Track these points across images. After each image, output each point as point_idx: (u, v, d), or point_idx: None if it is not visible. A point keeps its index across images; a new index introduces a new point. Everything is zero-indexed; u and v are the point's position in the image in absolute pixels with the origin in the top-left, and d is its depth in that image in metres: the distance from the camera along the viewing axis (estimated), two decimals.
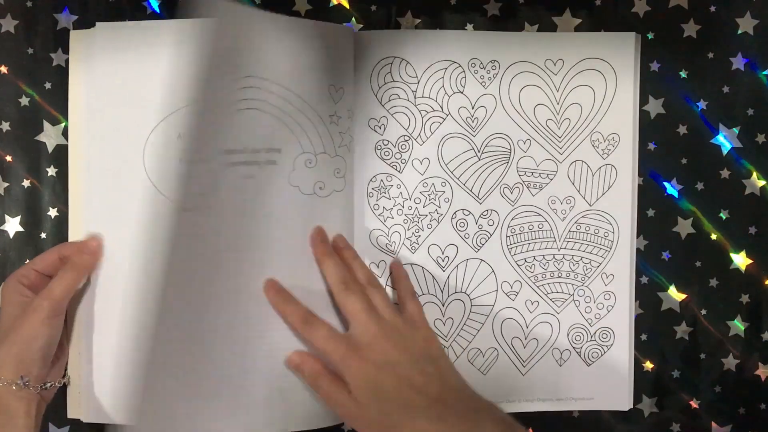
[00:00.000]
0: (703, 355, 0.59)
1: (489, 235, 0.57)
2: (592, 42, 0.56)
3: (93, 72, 0.54)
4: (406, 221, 0.56)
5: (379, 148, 0.56)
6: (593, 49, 0.56)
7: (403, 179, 0.56)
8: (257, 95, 0.52)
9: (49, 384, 0.51)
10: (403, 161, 0.56)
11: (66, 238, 0.56)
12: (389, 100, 0.56)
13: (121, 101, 0.54)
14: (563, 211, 0.57)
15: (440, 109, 0.56)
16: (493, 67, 0.56)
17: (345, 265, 0.53)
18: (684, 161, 0.59)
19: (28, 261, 0.54)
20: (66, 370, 0.55)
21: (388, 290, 0.56)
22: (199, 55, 0.51)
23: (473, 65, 0.56)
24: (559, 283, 0.57)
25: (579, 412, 0.59)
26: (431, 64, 0.56)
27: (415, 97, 0.56)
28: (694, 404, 0.59)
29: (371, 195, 0.56)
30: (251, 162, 0.51)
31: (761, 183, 0.59)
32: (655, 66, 0.58)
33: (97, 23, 0.54)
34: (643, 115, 0.58)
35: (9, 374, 0.48)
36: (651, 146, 0.58)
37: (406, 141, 0.56)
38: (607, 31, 0.56)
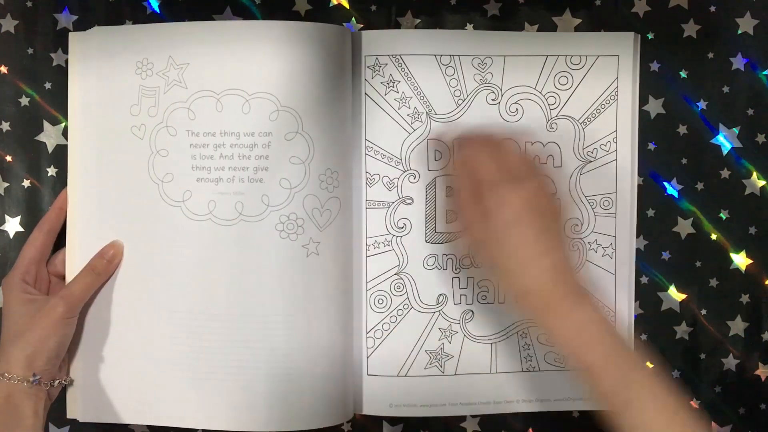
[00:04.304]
0: (703, 355, 0.59)
1: None
2: (592, 41, 0.56)
3: (92, 73, 0.54)
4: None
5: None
6: (593, 48, 0.56)
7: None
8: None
9: (56, 381, 0.52)
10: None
11: (65, 238, 0.55)
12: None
13: (121, 101, 0.54)
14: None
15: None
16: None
17: None
18: (684, 161, 0.58)
19: (20, 256, 0.53)
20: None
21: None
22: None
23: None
24: None
25: (579, 411, 0.58)
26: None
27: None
28: (694, 404, 0.59)
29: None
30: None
31: (761, 183, 0.59)
32: (655, 66, 0.58)
33: (95, 27, 0.54)
34: (643, 115, 0.58)
35: (21, 372, 0.49)
36: (651, 146, 0.58)
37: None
38: (607, 32, 0.56)
